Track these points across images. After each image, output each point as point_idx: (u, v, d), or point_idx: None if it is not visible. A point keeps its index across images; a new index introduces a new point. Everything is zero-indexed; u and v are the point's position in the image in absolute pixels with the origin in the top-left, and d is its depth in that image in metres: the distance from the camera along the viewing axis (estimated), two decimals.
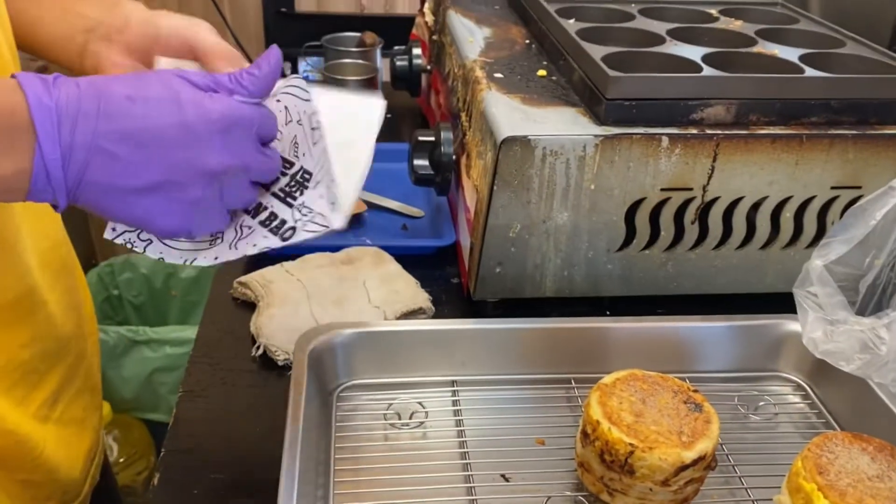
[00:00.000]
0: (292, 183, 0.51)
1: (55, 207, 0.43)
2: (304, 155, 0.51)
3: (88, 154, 0.42)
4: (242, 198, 0.48)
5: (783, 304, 0.61)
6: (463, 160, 0.77)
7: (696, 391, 0.54)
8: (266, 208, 0.51)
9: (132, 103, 0.42)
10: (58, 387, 0.60)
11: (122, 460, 1.40)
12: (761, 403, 0.63)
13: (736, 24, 0.86)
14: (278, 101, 0.50)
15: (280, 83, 0.50)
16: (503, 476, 0.55)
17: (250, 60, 0.51)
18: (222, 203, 0.47)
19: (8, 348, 0.55)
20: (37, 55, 0.59)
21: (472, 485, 0.54)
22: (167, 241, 0.51)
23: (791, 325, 0.64)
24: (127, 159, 0.42)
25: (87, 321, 0.68)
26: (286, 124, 0.50)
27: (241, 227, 0.51)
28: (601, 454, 0.51)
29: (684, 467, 0.49)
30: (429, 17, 1.08)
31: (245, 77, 0.47)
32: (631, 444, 0.49)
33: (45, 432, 0.59)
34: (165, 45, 0.54)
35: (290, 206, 0.51)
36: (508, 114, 0.68)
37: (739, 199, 0.70)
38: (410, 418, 0.60)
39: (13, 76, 0.42)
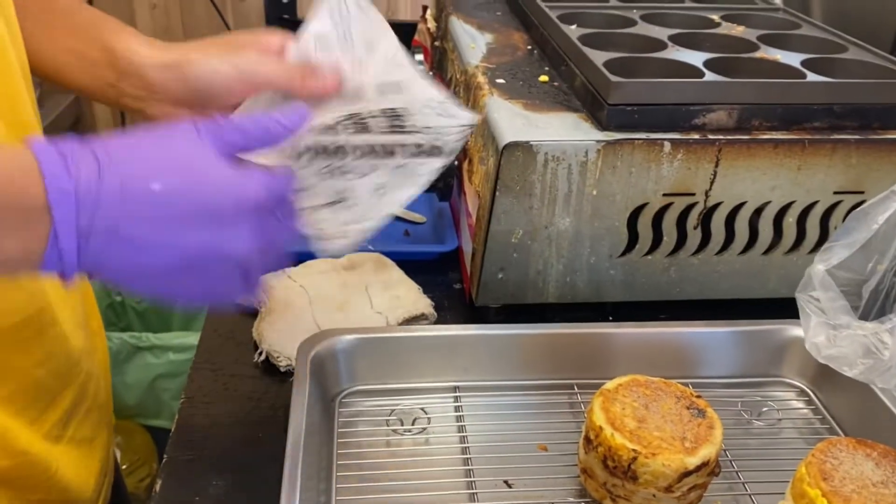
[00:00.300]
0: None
1: (62, 278, 0.40)
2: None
3: (106, 240, 0.39)
4: (271, 267, 0.46)
5: (786, 309, 0.61)
6: (465, 166, 0.77)
7: (698, 397, 0.54)
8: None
9: (156, 187, 0.40)
10: (70, 406, 0.59)
11: (124, 467, 1.40)
12: (764, 409, 0.63)
13: (738, 30, 0.86)
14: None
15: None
16: (506, 482, 0.55)
17: None
18: (249, 275, 0.45)
19: (21, 368, 0.54)
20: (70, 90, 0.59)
21: (474, 491, 0.54)
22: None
23: (794, 330, 0.64)
24: (146, 245, 0.40)
25: (95, 336, 0.66)
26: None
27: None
28: (604, 460, 0.51)
29: (688, 473, 0.49)
30: (431, 24, 1.09)
31: (280, 126, 0.45)
32: (634, 451, 0.49)
33: (58, 452, 0.57)
34: (207, 95, 0.52)
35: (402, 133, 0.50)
36: (510, 119, 0.68)
37: (742, 204, 0.70)
38: (413, 424, 0.60)
39: (30, 146, 0.39)
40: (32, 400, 0.55)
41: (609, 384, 0.55)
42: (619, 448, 0.50)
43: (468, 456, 0.57)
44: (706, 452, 0.50)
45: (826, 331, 0.53)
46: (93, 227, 0.39)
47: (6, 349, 0.52)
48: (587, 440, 0.53)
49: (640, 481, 0.50)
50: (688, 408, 0.53)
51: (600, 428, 0.51)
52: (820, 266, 0.55)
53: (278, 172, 0.45)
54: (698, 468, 0.49)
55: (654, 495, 0.50)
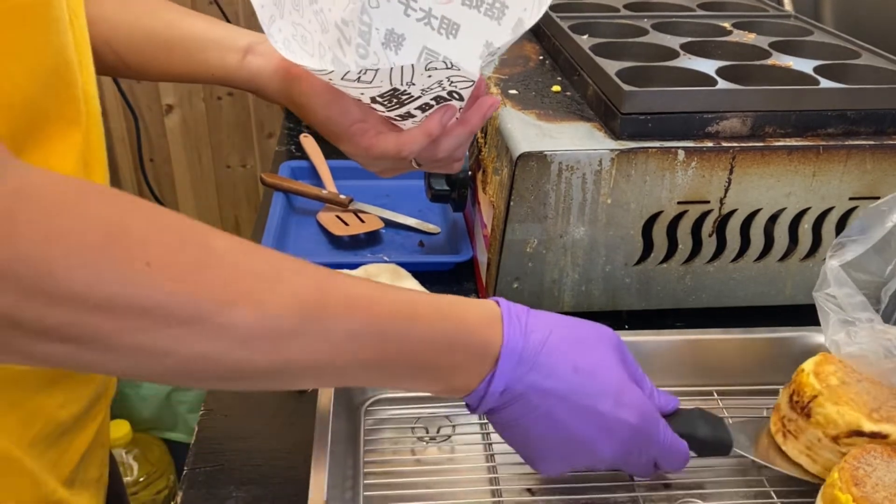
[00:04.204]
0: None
1: (471, 410, 0.47)
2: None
3: (514, 398, 0.45)
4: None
5: (803, 316, 0.61)
6: (479, 176, 0.78)
7: None
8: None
9: (576, 375, 0.45)
10: (87, 448, 0.57)
11: (141, 479, 1.40)
12: None
13: (749, 37, 0.86)
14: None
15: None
16: (529, 490, 0.55)
17: None
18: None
19: (46, 410, 0.52)
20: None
21: (499, 499, 0.54)
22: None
23: (816, 337, 0.63)
24: (540, 414, 0.45)
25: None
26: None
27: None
28: (791, 395, 0.53)
29: (859, 433, 0.50)
30: None
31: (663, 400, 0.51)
32: (818, 391, 0.51)
33: (71, 496, 0.55)
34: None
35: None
36: (524, 129, 0.68)
37: (757, 211, 0.70)
38: (438, 432, 0.60)
39: (498, 302, 0.46)
40: (55, 443, 0.53)
41: (839, 356, 0.55)
42: (806, 385, 0.52)
43: (493, 464, 0.57)
44: (890, 429, 0.50)
45: (845, 327, 0.53)
46: (517, 384, 0.45)
47: (35, 390, 0.51)
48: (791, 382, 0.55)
49: (812, 420, 0.51)
50: None
51: (801, 370, 0.53)
52: (834, 262, 0.55)
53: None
54: (873, 435, 0.49)
55: (819, 440, 0.51)
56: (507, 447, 0.56)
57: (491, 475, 0.56)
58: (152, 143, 1.72)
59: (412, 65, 0.49)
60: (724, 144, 0.67)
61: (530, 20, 0.54)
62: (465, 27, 0.56)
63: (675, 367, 0.64)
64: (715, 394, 0.56)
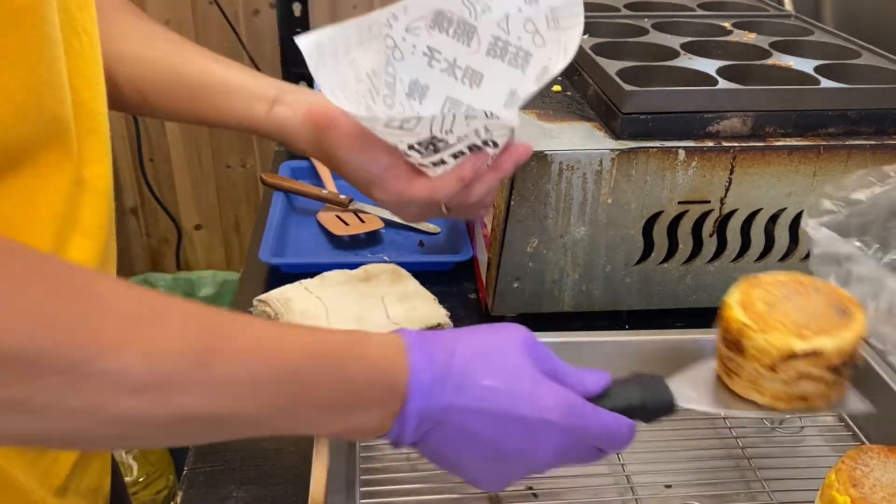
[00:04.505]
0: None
1: (395, 446, 0.45)
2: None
3: (435, 425, 0.43)
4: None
5: None
6: None
7: (853, 302, 0.52)
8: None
9: (487, 388, 0.43)
10: (81, 456, 0.56)
11: (141, 479, 1.40)
12: (787, 417, 0.62)
13: (750, 37, 0.86)
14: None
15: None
16: (530, 489, 0.55)
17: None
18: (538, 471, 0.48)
19: None
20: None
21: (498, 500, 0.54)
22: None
23: None
24: (463, 436, 0.44)
25: None
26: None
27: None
28: (724, 335, 0.52)
29: (793, 356, 0.48)
30: None
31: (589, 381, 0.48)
32: (744, 324, 0.50)
33: None
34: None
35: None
36: (524, 129, 0.68)
37: (757, 211, 0.69)
38: None
39: (401, 334, 0.44)
40: (42, 451, 0.52)
41: (765, 276, 0.54)
42: (732, 320, 0.51)
43: None
44: (821, 343, 0.48)
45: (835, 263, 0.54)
46: (429, 413, 0.43)
47: None
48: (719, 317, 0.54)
49: (747, 355, 0.50)
50: (833, 307, 0.51)
51: (727, 304, 0.52)
52: (812, 223, 0.56)
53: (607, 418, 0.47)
54: (807, 355, 0.48)
55: (759, 372, 0.50)
56: None
57: None
58: (152, 142, 1.72)
59: (454, 114, 0.51)
60: (725, 144, 0.67)
61: (555, 68, 0.53)
62: (488, 76, 0.56)
63: (677, 366, 0.63)
64: None
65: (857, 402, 0.51)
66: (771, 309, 0.51)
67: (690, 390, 0.52)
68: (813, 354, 0.48)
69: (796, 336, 0.48)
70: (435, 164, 0.57)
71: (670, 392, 0.51)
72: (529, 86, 0.54)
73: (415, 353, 0.43)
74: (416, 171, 0.59)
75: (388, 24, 0.54)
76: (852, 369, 0.50)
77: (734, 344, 0.50)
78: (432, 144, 0.54)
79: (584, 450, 0.47)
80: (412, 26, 0.55)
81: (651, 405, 0.50)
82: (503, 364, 0.45)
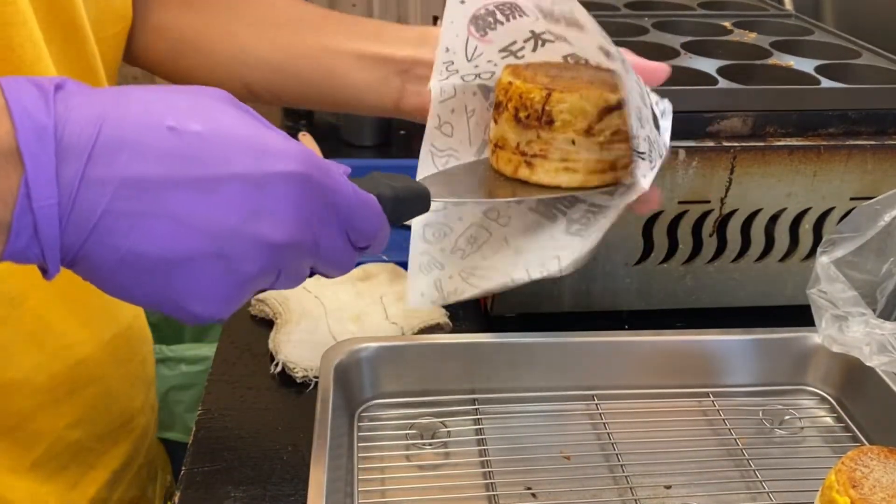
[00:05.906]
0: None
1: (43, 273, 0.31)
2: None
3: (100, 206, 0.29)
4: (297, 280, 0.38)
5: (803, 316, 0.60)
6: None
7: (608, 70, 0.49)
8: None
9: (176, 137, 0.30)
10: (120, 466, 0.54)
11: None
12: (787, 417, 0.62)
13: (750, 37, 0.86)
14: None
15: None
16: (529, 490, 0.55)
17: None
18: (271, 286, 0.36)
19: (51, 430, 0.48)
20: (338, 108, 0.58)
21: (497, 500, 0.54)
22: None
23: (815, 338, 0.63)
24: (153, 222, 0.30)
25: (151, 387, 0.62)
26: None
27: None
28: (516, 112, 0.46)
29: (609, 109, 0.45)
30: None
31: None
32: (547, 88, 0.45)
33: None
34: None
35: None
36: None
37: (757, 211, 0.69)
38: (433, 437, 0.59)
39: None
40: (69, 463, 0.50)
41: (525, 65, 0.50)
42: (531, 91, 0.45)
43: (489, 470, 0.56)
44: (624, 92, 0.45)
45: (838, 322, 0.52)
46: (81, 184, 0.28)
47: (31, 411, 0.47)
48: (496, 106, 0.48)
49: (557, 124, 0.45)
50: (596, 72, 0.49)
51: (509, 83, 0.47)
52: (825, 258, 0.54)
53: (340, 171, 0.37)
54: (619, 105, 0.45)
55: (573, 141, 0.45)
56: (504, 449, 0.56)
57: (487, 480, 0.55)
58: None
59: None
60: (725, 144, 0.66)
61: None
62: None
63: (676, 367, 0.63)
64: (711, 395, 0.56)
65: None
66: (555, 79, 0.46)
67: (444, 189, 0.46)
68: (623, 105, 0.44)
69: (604, 89, 0.45)
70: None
71: (422, 185, 0.45)
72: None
73: (20, 92, 0.28)
74: None
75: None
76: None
77: (538, 118, 0.45)
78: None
79: (332, 229, 0.36)
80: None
81: (404, 195, 0.43)
82: (201, 109, 0.32)
